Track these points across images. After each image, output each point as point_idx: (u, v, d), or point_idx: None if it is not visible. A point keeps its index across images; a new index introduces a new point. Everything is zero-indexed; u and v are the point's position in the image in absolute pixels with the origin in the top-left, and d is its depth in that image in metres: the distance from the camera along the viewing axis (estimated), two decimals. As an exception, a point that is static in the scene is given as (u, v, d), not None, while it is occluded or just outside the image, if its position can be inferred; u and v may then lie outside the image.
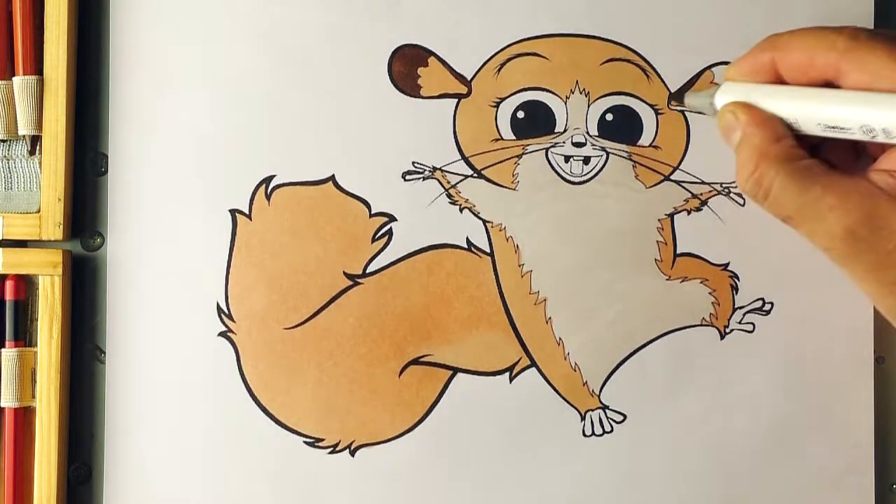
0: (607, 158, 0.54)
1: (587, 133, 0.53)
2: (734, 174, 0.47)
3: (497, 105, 0.54)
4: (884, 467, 0.54)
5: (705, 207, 0.54)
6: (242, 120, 0.53)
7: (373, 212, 0.54)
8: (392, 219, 0.53)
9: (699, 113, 0.51)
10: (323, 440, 0.53)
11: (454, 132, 0.54)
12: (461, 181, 0.54)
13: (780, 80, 0.47)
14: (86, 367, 0.53)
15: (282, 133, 0.53)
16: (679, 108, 0.54)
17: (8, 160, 0.53)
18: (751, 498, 0.53)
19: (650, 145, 0.54)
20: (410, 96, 0.54)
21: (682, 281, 0.54)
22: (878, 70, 0.43)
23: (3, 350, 0.52)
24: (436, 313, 0.53)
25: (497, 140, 0.54)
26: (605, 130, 0.54)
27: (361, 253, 0.53)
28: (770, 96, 0.46)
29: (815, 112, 0.45)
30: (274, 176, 0.53)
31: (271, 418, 0.53)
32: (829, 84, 0.45)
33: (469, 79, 0.54)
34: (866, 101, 0.43)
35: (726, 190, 0.54)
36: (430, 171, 0.54)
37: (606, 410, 0.53)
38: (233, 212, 0.53)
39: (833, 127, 0.45)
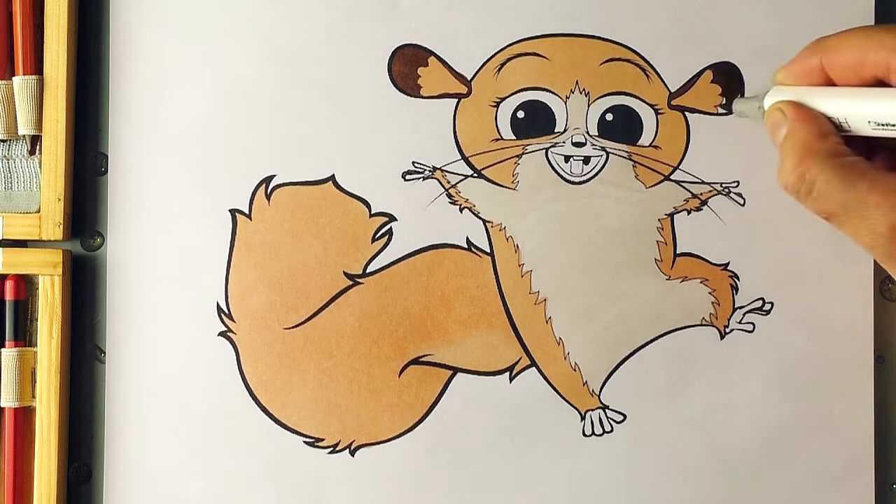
0: (607, 158, 0.54)
1: (587, 133, 0.53)
2: (776, 172, 0.47)
3: (497, 105, 0.54)
4: (884, 467, 0.54)
5: (705, 207, 0.54)
6: (242, 120, 0.53)
7: (373, 212, 0.53)
8: (392, 219, 0.53)
9: (745, 118, 0.51)
10: (323, 440, 0.53)
11: (454, 132, 0.54)
12: (461, 181, 0.53)
13: (829, 83, 0.47)
14: (86, 367, 0.53)
15: (282, 133, 0.53)
16: (726, 113, 0.53)
17: (8, 160, 0.53)
18: (751, 498, 0.53)
19: (650, 145, 0.54)
20: (410, 96, 0.54)
21: (682, 281, 0.54)
22: None
23: (3, 350, 0.52)
24: (436, 313, 0.53)
25: (497, 140, 0.54)
26: (604, 130, 0.54)
27: (361, 253, 0.53)
28: (819, 96, 0.47)
29: (865, 109, 0.45)
30: (274, 176, 0.53)
31: (271, 418, 0.53)
32: (881, 83, 0.45)
33: (469, 79, 0.54)
34: None
35: (726, 190, 0.54)
36: (430, 171, 0.54)
37: (606, 410, 0.53)
38: (233, 212, 0.53)
39: (883, 124, 0.45)
